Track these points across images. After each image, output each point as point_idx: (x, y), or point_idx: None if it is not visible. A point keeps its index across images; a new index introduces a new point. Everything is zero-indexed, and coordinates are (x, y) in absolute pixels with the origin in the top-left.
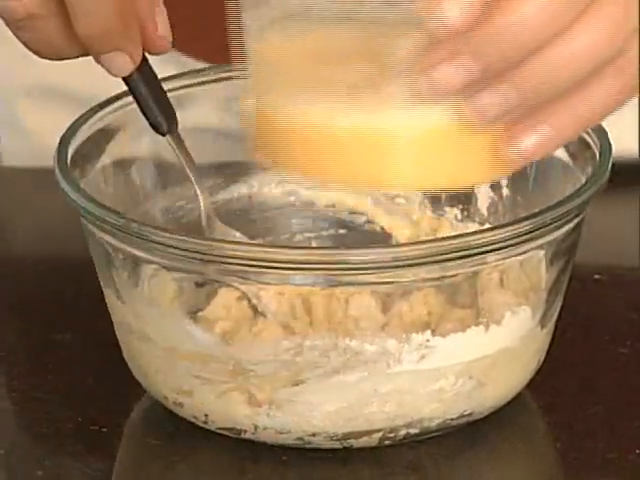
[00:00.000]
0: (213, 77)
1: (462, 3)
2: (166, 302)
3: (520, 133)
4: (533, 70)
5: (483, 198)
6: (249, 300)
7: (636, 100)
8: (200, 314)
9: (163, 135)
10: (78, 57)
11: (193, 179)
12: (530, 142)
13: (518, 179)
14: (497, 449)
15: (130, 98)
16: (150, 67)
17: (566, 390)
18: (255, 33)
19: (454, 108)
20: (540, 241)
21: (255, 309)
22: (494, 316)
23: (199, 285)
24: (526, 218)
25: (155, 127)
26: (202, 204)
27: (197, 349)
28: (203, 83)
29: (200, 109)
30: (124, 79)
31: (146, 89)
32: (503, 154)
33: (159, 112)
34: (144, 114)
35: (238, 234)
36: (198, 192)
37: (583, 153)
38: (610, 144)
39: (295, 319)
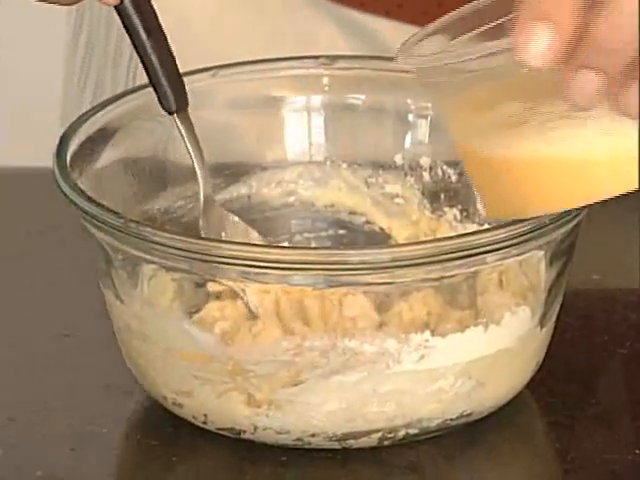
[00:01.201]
0: (220, 76)
1: (549, 30)
2: (165, 302)
3: None
4: None
5: None
6: (244, 300)
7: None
8: (196, 316)
9: (170, 114)
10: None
11: (196, 164)
12: None
13: None
14: (496, 449)
15: (130, 97)
16: (165, 37)
17: (565, 390)
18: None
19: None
20: (539, 241)
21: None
22: (493, 316)
23: (199, 285)
24: (525, 218)
25: (162, 104)
26: (201, 186)
27: (196, 349)
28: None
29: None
30: (134, 45)
31: (158, 61)
32: None
33: (169, 87)
34: (153, 88)
35: (237, 218)
36: (199, 174)
37: None
38: None
39: (293, 321)
